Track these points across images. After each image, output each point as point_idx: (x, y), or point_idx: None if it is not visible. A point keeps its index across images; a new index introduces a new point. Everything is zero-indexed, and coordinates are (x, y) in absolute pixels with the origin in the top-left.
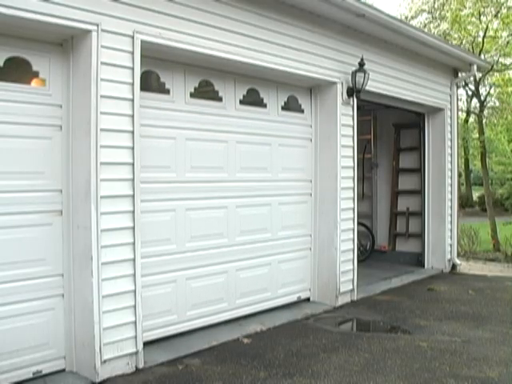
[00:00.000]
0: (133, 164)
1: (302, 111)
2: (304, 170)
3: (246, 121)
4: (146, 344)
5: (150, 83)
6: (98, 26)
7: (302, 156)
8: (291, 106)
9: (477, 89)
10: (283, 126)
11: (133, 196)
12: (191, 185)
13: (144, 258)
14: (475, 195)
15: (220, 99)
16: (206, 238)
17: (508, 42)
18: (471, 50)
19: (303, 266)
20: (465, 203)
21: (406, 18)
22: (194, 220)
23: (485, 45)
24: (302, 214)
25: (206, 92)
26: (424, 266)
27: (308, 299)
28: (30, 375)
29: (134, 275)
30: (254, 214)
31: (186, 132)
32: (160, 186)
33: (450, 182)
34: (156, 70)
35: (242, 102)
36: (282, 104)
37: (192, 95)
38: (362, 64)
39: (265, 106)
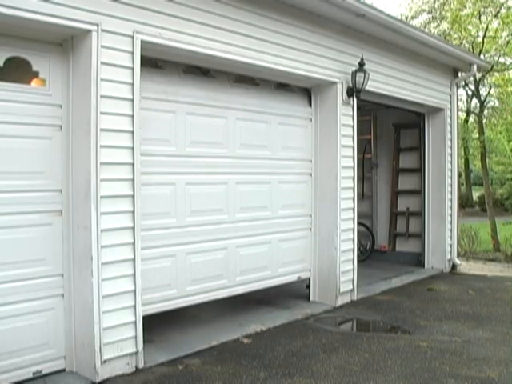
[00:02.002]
0: (133, 164)
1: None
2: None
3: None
4: (146, 343)
5: None
6: (98, 26)
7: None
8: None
9: (477, 89)
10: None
11: (133, 196)
12: (191, 159)
13: (144, 230)
14: (475, 195)
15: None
16: (206, 213)
17: (508, 42)
18: (471, 50)
19: (303, 246)
20: (465, 203)
21: (406, 18)
22: (193, 195)
23: (485, 45)
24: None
25: None
26: (424, 266)
27: (308, 280)
28: (30, 375)
29: (134, 275)
30: (254, 191)
31: (185, 106)
32: (160, 159)
33: (450, 182)
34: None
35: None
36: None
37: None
38: (362, 64)
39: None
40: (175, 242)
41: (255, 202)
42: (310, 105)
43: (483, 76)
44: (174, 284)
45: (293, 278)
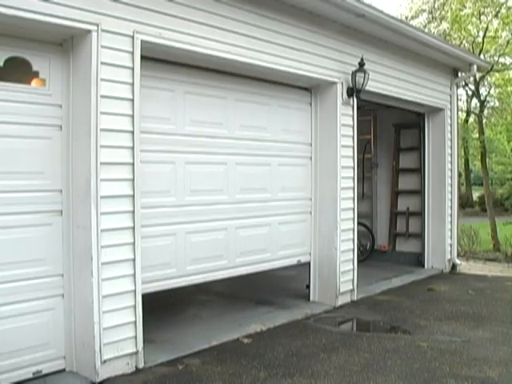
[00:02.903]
0: (133, 164)
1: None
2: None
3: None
4: (146, 343)
5: None
6: (98, 26)
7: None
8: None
9: (477, 89)
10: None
11: (133, 196)
12: (190, 138)
13: (144, 208)
14: (475, 195)
15: None
16: (206, 193)
17: (508, 42)
18: (471, 50)
19: (303, 229)
20: (465, 203)
21: (406, 18)
22: (193, 174)
23: (485, 45)
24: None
25: None
26: (424, 266)
27: (308, 263)
28: (30, 375)
29: (134, 275)
30: (254, 173)
31: (185, 85)
32: (159, 137)
33: (450, 182)
34: None
35: None
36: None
37: None
38: (362, 64)
39: None
40: (175, 221)
41: (255, 184)
42: (310, 105)
43: (483, 76)
44: (174, 263)
45: (293, 261)
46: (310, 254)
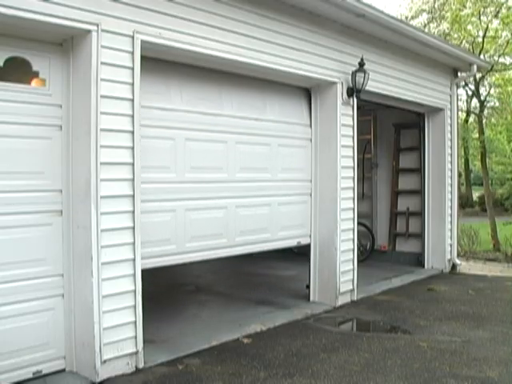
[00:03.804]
0: (133, 164)
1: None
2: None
3: None
4: (146, 343)
5: None
6: (98, 26)
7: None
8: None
9: (477, 89)
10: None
11: (133, 196)
12: (190, 115)
13: (143, 183)
14: (475, 195)
15: None
16: (206, 170)
17: (508, 42)
18: (471, 50)
19: (303, 211)
20: (465, 203)
21: (406, 18)
22: (193, 151)
23: (485, 45)
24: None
25: None
26: (424, 266)
27: (308, 245)
28: (30, 375)
29: (134, 275)
30: (254, 152)
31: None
32: (159, 112)
33: (450, 182)
34: None
35: None
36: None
37: None
38: (362, 64)
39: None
40: (175, 197)
41: (255, 164)
42: (310, 106)
43: (483, 76)
44: (173, 239)
45: (293, 242)
46: (311, 237)
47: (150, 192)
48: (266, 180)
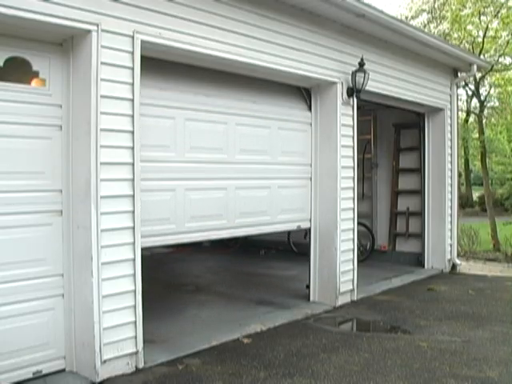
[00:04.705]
0: (133, 164)
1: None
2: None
3: None
4: (146, 343)
5: None
6: (98, 26)
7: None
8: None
9: (477, 89)
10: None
11: (133, 196)
12: (190, 96)
13: (143, 162)
14: (475, 195)
15: None
16: (206, 150)
17: (508, 42)
18: (471, 50)
19: (303, 195)
20: (465, 203)
21: (406, 17)
22: (193, 131)
23: (485, 45)
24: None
25: None
26: (424, 266)
27: (309, 230)
28: (30, 375)
29: (134, 275)
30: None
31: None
32: (158, 92)
33: (450, 182)
34: None
35: None
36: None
37: None
38: (362, 64)
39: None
40: (174, 177)
41: (255, 146)
42: (310, 107)
43: (483, 76)
44: (173, 218)
45: (293, 226)
46: (311, 221)
47: (150, 170)
48: (265, 163)
